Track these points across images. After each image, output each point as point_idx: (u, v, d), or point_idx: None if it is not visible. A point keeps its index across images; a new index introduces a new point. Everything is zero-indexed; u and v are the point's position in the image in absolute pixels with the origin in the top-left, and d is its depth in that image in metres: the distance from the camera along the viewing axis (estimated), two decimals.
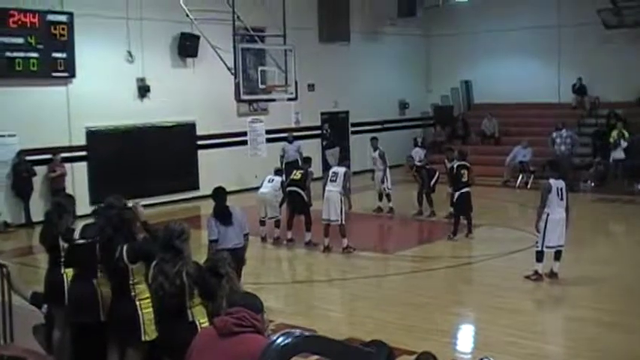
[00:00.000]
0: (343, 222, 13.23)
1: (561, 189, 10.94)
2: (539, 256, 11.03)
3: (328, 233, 13.16)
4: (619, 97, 22.32)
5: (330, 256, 13.32)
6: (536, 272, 11.04)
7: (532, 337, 8.70)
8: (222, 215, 8.96)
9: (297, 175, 14.04)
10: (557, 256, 11.04)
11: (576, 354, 8.28)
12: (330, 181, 13.49)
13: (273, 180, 14.39)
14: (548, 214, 10.85)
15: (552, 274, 11.05)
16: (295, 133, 21.82)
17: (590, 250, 13.70)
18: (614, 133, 20.50)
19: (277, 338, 2.70)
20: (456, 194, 14.26)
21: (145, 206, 6.95)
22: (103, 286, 6.44)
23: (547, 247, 10.94)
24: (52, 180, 16.76)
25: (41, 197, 16.75)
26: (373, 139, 18.07)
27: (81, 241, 6.56)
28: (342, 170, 13.56)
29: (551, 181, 11.03)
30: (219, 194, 9.27)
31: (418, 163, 17.37)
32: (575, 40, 23.16)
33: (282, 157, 19.06)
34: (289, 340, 2.68)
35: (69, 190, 15.59)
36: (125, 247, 6.13)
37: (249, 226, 9.26)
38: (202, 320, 5.59)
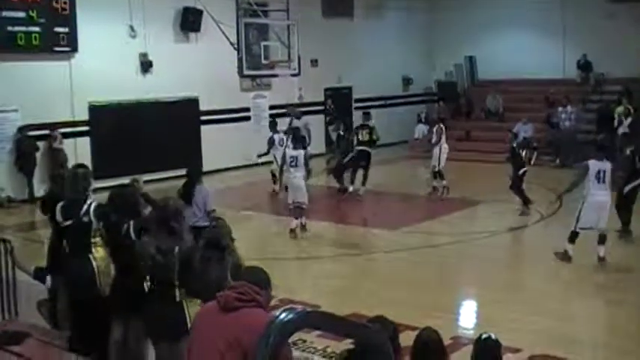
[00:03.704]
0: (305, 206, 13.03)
1: (604, 172, 10.36)
2: (572, 237, 10.65)
3: (298, 215, 12.96)
4: (625, 72, 22.14)
5: (332, 232, 13.31)
6: (565, 252, 10.66)
7: (536, 315, 8.69)
8: (182, 196, 8.82)
9: (365, 135, 16.32)
10: (601, 239, 10.56)
11: (581, 331, 8.29)
12: (291, 166, 13.03)
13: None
14: (585, 198, 10.44)
15: (600, 259, 10.57)
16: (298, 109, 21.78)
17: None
18: (619, 109, 20.37)
19: (280, 314, 2.69)
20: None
21: (147, 182, 6.99)
22: (100, 261, 6.45)
23: (581, 229, 10.56)
24: (54, 154, 16.72)
25: (44, 173, 16.73)
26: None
27: (68, 223, 6.52)
28: (300, 153, 13.11)
29: (591, 162, 10.49)
30: (188, 175, 9.53)
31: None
32: (580, 15, 22.96)
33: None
34: (292, 316, 2.66)
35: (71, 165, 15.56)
36: (132, 223, 6.15)
37: (209, 204, 9.13)
38: (191, 303, 5.59)
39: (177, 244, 5.65)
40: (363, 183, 16.44)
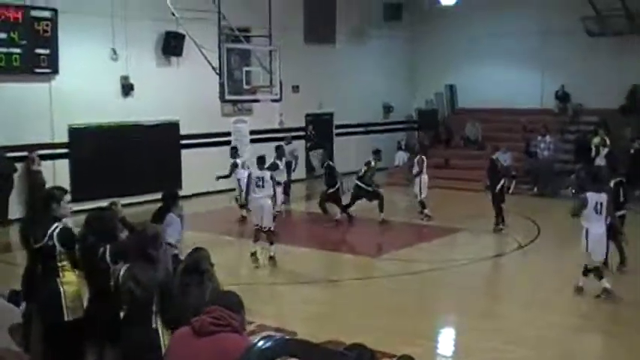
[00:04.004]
0: (273, 228, 12.95)
1: (601, 203, 10.22)
2: (586, 272, 10.50)
3: (258, 239, 12.88)
4: (602, 104, 22.45)
5: (311, 258, 13.29)
6: (605, 290, 10.35)
7: (513, 343, 8.71)
8: (155, 220, 8.60)
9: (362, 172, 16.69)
10: (586, 271, 10.52)
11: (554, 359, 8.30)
12: (257, 186, 12.85)
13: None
14: (587, 229, 10.30)
15: (578, 289, 10.60)
16: (279, 135, 21.83)
17: (572, 255, 13.75)
18: (596, 140, 20.63)
19: (258, 342, 2.68)
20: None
21: (127, 205, 6.96)
22: (68, 285, 6.38)
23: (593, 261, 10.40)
24: (31, 176, 16.58)
25: (20, 194, 16.61)
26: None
27: (42, 243, 6.46)
28: (267, 174, 12.99)
29: (589, 194, 10.32)
30: (163, 199, 9.14)
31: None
32: (559, 47, 23.31)
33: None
34: (270, 343, 2.66)
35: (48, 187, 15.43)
36: (108, 248, 6.10)
37: (175, 236, 8.55)
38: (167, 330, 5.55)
39: (155, 274, 5.59)
40: (380, 210, 16.48)
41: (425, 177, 16.87)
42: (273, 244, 12.81)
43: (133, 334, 5.60)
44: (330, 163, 17.05)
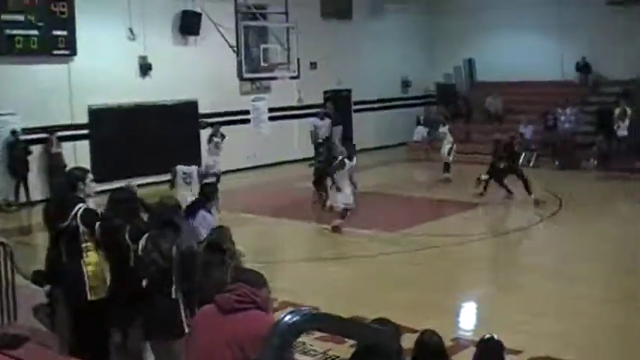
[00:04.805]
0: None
1: None
2: None
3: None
4: (622, 74, 22.16)
5: (333, 234, 13.30)
6: None
7: (537, 315, 8.67)
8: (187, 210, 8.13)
9: None
10: None
11: (581, 332, 8.27)
12: (185, 183, 12.68)
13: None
14: None
15: None
16: (297, 112, 21.80)
17: (594, 227, 13.68)
18: (617, 111, 20.40)
19: (286, 316, 2.67)
20: None
21: (146, 185, 6.97)
22: (91, 265, 6.40)
23: None
24: (51, 158, 16.70)
25: (39, 176, 16.73)
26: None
27: (66, 224, 6.48)
28: (193, 169, 12.85)
29: None
30: (203, 193, 8.68)
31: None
32: (578, 17, 22.95)
33: (313, 133, 18.99)
34: (298, 317, 2.66)
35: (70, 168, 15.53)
36: (127, 229, 6.12)
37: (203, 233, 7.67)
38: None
39: (178, 241, 5.63)
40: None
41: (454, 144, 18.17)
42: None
43: (154, 305, 5.63)
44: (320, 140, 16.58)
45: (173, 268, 5.58)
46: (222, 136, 16.70)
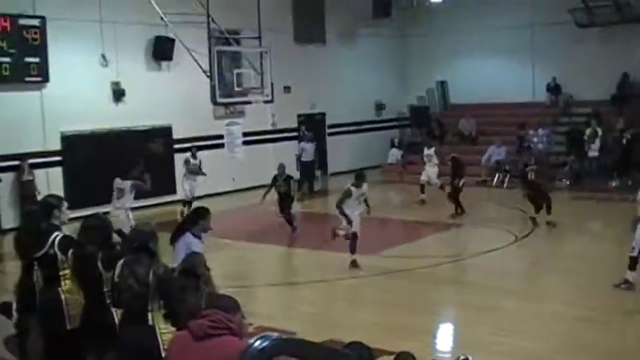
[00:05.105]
0: None
1: None
2: (633, 264, 10.23)
3: None
4: (593, 95, 22.51)
5: (308, 257, 13.28)
6: (626, 281, 10.29)
7: (512, 335, 8.72)
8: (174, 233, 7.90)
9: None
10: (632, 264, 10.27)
11: (555, 350, 8.32)
12: (117, 198, 12.59)
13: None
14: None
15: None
16: (272, 136, 21.85)
17: (568, 246, 13.80)
18: (588, 131, 20.69)
19: (255, 341, 2.67)
20: None
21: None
22: (70, 293, 6.35)
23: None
24: (23, 185, 16.55)
25: (10, 204, 16.56)
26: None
27: (43, 252, 6.43)
28: (127, 184, 12.74)
29: None
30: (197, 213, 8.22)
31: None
32: (549, 39, 23.35)
33: (298, 155, 20.04)
34: (267, 342, 2.66)
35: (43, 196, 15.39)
36: (99, 256, 6.07)
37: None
38: (162, 326, 5.54)
39: (154, 267, 5.60)
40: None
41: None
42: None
43: (130, 333, 5.59)
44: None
45: (149, 293, 5.54)
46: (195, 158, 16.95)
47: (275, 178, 15.29)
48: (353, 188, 12.12)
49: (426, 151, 18.71)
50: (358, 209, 12.34)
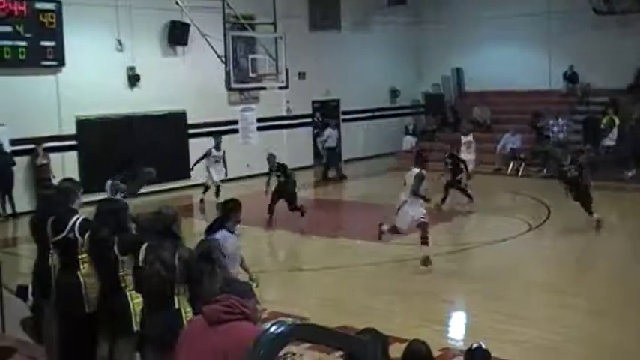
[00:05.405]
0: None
1: None
2: None
3: None
4: (610, 83, 22.30)
5: (322, 244, 13.29)
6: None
7: (524, 325, 8.71)
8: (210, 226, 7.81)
9: None
10: None
11: (566, 340, 8.30)
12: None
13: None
14: None
15: None
16: (286, 122, 21.86)
17: (581, 237, 13.73)
18: (605, 120, 20.51)
19: (270, 327, 2.68)
20: None
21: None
22: (88, 277, 6.37)
23: None
24: (37, 169, 16.63)
25: (24, 188, 16.65)
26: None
27: (62, 236, 6.45)
28: (108, 184, 12.59)
29: None
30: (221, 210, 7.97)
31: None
32: (566, 27, 23.12)
33: (323, 141, 21.15)
34: (282, 328, 2.66)
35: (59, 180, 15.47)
36: (116, 239, 6.08)
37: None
38: (188, 309, 5.55)
39: (179, 251, 5.61)
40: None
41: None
42: None
43: (157, 318, 5.58)
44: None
45: (176, 278, 5.55)
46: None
47: (270, 170, 15.30)
48: (424, 172, 11.34)
49: (464, 139, 17.78)
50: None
